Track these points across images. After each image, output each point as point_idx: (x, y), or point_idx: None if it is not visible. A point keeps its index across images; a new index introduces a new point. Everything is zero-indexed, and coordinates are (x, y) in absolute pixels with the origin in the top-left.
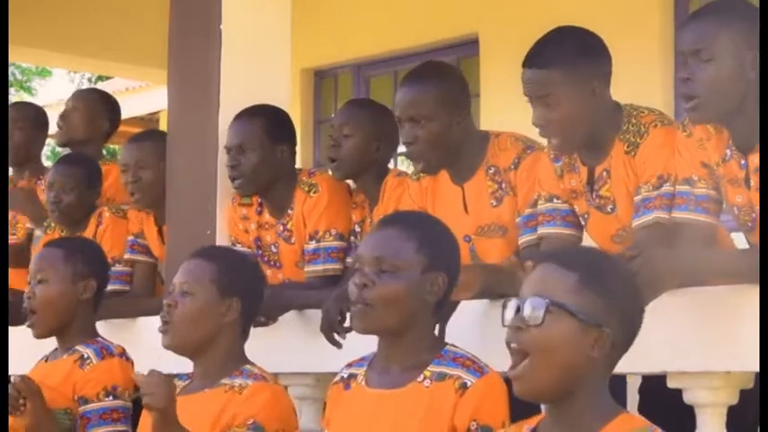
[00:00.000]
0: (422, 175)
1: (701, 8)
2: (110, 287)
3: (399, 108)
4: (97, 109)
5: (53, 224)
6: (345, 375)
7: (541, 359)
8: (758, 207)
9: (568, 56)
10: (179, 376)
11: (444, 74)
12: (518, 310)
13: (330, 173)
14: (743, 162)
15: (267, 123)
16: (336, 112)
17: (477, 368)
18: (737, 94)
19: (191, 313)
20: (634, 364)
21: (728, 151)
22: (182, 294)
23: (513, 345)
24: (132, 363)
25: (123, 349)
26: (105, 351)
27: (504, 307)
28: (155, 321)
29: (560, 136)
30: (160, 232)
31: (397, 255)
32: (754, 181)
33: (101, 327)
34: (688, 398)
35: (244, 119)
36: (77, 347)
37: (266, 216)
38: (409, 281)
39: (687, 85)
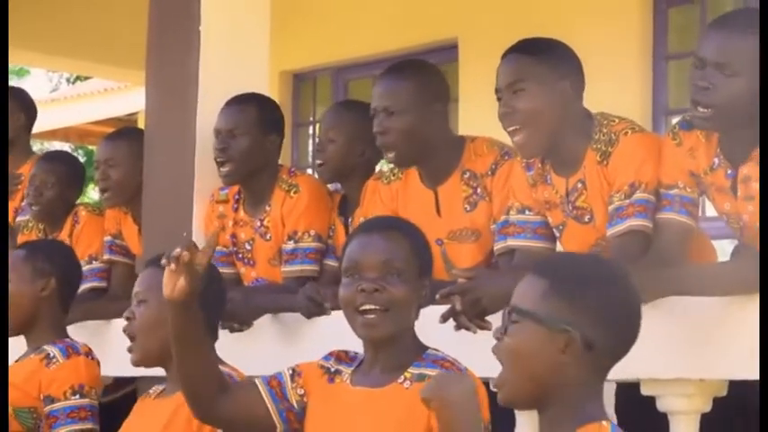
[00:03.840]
0: (393, 177)
1: (727, 17)
2: (88, 284)
3: (374, 99)
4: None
5: (30, 224)
6: (332, 369)
7: (512, 368)
8: (745, 215)
9: (543, 48)
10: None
11: (422, 70)
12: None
13: (311, 173)
14: (729, 172)
15: (260, 111)
16: (320, 114)
17: (456, 369)
18: (746, 110)
19: (148, 320)
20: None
21: (716, 160)
22: (137, 304)
23: (495, 356)
24: (98, 362)
25: (89, 348)
26: (71, 350)
27: None
28: None
29: (524, 128)
30: (141, 231)
31: (401, 258)
32: (742, 190)
33: (78, 329)
34: (662, 405)
35: (238, 104)
36: (45, 347)
37: (241, 213)
38: (412, 284)
39: (705, 94)
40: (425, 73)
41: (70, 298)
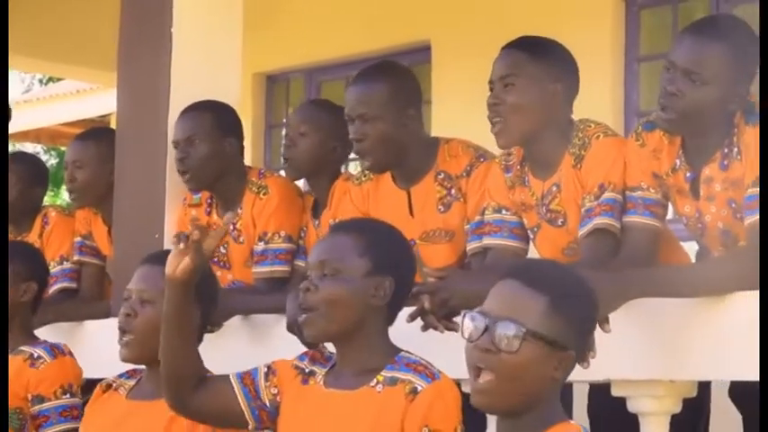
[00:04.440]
0: (364, 178)
1: (702, 24)
2: (58, 285)
3: (349, 105)
4: None
5: None
6: (306, 369)
7: (509, 383)
8: (707, 216)
9: (541, 47)
10: (120, 375)
11: (395, 73)
12: (486, 329)
13: (282, 173)
14: (688, 174)
15: (215, 116)
16: (291, 114)
17: (429, 374)
18: (712, 117)
19: (152, 322)
20: (579, 372)
21: (678, 161)
22: (141, 303)
23: (479, 365)
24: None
25: (70, 348)
26: (57, 350)
27: (463, 318)
28: (103, 324)
29: (505, 120)
30: (110, 232)
31: (340, 258)
32: (704, 191)
33: (49, 329)
34: (632, 406)
35: (191, 112)
36: (22, 348)
37: (215, 217)
38: (354, 284)
39: (672, 100)
40: (399, 76)
41: (40, 302)
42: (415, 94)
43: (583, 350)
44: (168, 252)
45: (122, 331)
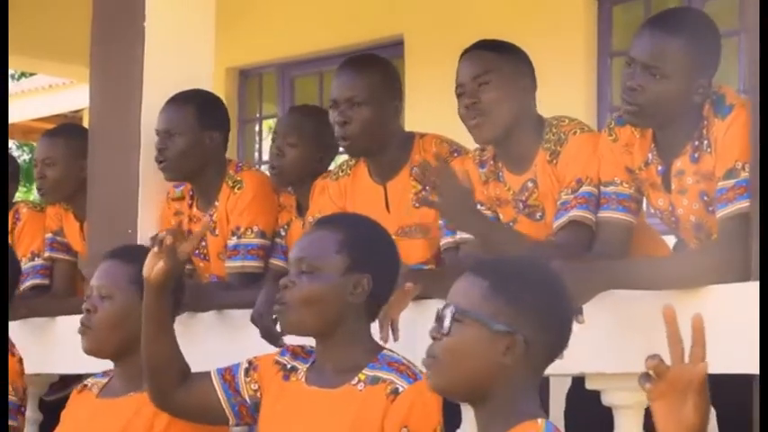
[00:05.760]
0: (341, 174)
1: (660, 18)
2: (30, 282)
3: (337, 90)
4: None
5: None
6: (288, 365)
7: (450, 365)
8: (680, 209)
9: (504, 46)
10: (94, 375)
11: (385, 64)
12: (437, 318)
13: (257, 169)
14: (660, 168)
15: (198, 109)
16: (266, 111)
17: (410, 374)
18: (677, 110)
19: (111, 317)
20: (553, 365)
21: (650, 155)
22: (100, 298)
23: (428, 353)
24: (21, 360)
25: (10, 344)
26: None
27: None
28: (75, 320)
29: (485, 116)
30: (82, 228)
31: (317, 256)
32: (676, 184)
33: (22, 326)
34: (606, 399)
35: (175, 103)
36: None
37: (195, 209)
38: (328, 281)
39: (632, 95)
40: (387, 68)
41: (11, 299)
42: (399, 89)
43: (548, 341)
44: (132, 247)
45: (83, 326)
